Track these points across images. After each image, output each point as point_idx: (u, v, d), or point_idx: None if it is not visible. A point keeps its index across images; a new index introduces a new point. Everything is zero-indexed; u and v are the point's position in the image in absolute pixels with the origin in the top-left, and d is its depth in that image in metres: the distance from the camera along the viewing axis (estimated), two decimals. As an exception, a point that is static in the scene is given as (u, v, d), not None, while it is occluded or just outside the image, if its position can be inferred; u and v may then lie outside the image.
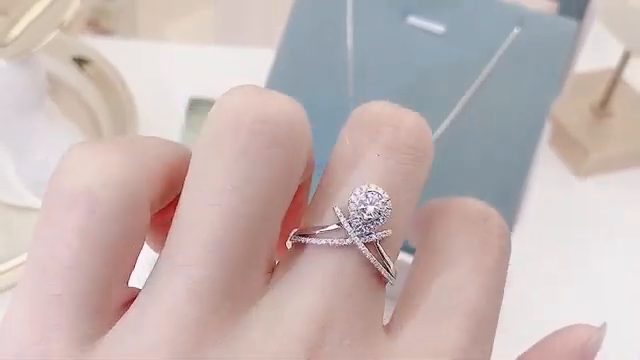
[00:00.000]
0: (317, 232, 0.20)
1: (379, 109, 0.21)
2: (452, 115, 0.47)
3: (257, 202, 0.19)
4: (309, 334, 0.18)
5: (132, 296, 0.19)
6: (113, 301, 0.18)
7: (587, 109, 0.66)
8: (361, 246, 0.19)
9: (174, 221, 0.19)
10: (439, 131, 0.47)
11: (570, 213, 0.61)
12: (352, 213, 0.19)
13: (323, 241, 0.19)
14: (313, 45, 0.50)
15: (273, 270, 0.20)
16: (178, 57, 0.67)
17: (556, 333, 0.23)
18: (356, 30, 0.49)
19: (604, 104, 0.65)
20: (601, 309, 0.54)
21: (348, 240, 0.19)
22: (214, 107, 0.19)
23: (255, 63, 0.53)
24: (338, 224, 0.20)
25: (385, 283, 0.20)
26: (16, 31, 0.44)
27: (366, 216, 0.19)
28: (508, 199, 0.47)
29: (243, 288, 0.18)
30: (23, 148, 0.50)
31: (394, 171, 0.20)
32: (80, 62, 0.58)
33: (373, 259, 0.19)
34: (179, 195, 0.19)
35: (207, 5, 0.72)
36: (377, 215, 0.19)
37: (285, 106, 0.19)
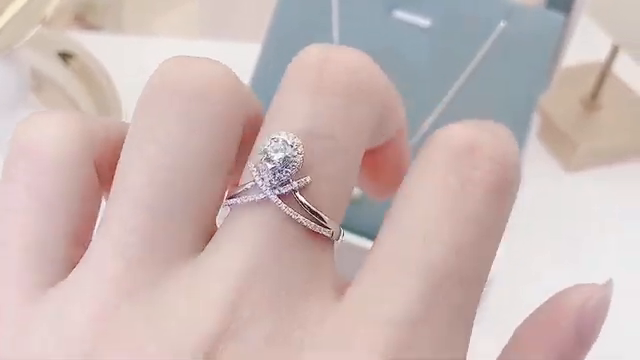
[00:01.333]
0: (238, 192, 0.19)
1: (311, 51, 0.20)
2: (439, 109, 0.48)
3: (179, 156, 0.18)
4: (225, 295, 0.17)
5: None
6: (63, 259, 0.19)
7: (576, 102, 0.66)
8: (274, 199, 0.18)
9: (114, 181, 0.19)
10: (426, 125, 0.47)
11: (560, 208, 0.61)
12: (260, 165, 0.18)
13: (241, 199, 0.18)
14: (299, 38, 0.49)
15: None
16: (164, 52, 0.65)
17: (552, 298, 0.20)
18: (342, 23, 0.49)
19: (594, 97, 0.65)
20: None
21: (261, 195, 0.18)
22: (149, 78, 0.20)
23: (242, 57, 0.52)
24: (254, 181, 0.19)
25: (327, 239, 0.19)
26: (-3, 26, 0.44)
27: (273, 166, 0.18)
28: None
29: (168, 247, 0.18)
30: (6, 144, 0.49)
31: (318, 117, 0.19)
32: (65, 57, 0.58)
33: (289, 210, 0.18)
34: None
35: (194, -1, 0.72)
36: (285, 163, 0.18)
37: (212, 71, 0.19)
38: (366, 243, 0.43)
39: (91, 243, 0.19)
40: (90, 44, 0.60)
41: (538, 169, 0.62)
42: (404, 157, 0.22)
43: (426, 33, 0.49)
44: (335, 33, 0.49)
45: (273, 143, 0.18)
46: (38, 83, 0.53)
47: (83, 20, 0.66)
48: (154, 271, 0.18)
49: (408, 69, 0.48)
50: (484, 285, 0.18)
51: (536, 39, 0.48)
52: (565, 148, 0.63)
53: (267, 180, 0.18)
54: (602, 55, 0.64)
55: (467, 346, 0.18)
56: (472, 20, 0.48)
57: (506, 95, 0.48)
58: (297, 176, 0.18)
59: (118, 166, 0.19)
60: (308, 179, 0.18)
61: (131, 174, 0.19)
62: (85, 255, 0.19)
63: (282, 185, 0.18)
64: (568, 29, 0.51)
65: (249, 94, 0.20)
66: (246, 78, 0.50)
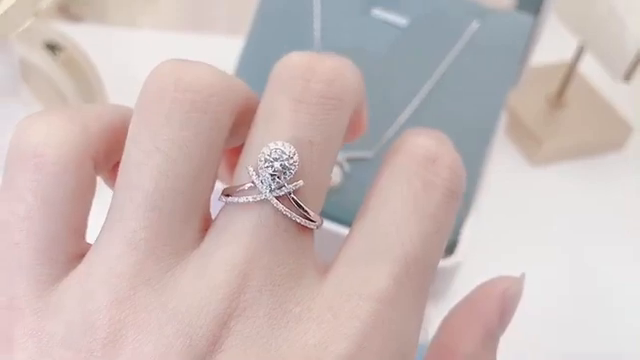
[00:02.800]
0: (236, 191, 0.21)
1: (294, 60, 0.23)
2: (414, 104, 0.49)
3: (181, 162, 0.21)
4: (230, 282, 0.20)
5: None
6: (69, 252, 0.21)
7: (543, 100, 0.68)
8: (273, 200, 0.21)
9: (116, 181, 0.21)
10: (402, 119, 0.49)
11: (525, 200, 0.63)
12: (261, 171, 0.21)
13: (241, 199, 0.21)
14: (281, 34, 0.51)
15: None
16: (148, 44, 0.68)
17: (479, 286, 0.24)
18: (323, 21, 0.51)
19: (559, 96, 0.67)
20: (556, 295, 0.56)
21: (261, 196, 0.21)
22: (145, 79, 0.22)
23: (223, 51, 0.54)
24: (252, 182, 0.21)
25: (310, 231, 0.22)
26: (-8, 18, 0.45)
27: (273, 172, 0.21)
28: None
29: (174, 241, 0.20)
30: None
31: (303, 124, 0.22)
32: (52, 48, 0.58)
33: (286, 210, 0.21)
34: None
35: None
36: (283, 170, 0.21)
37: (205, 74, 0.21)
38: (340, 229, 0.45)
39: (99, 237, 0.21)
40: (74, 35, 0.60)
41: (505, 163, 0.64)
42: (364, 121, 0.25)
43: (403, 31, 0.50)
44: (316, 30, 0.51)
45: (272, 152, 0.21)
46: (26, 74, 0.54)
47: (66, 11, 0.67)
48: (164, 261, 0.20)
49: (386, 65, 0.50)
50: (436, 268, 0.22)
51: (506, 39, 0.50)
52: (531, 144, 0.65)
53: (267, 184, 0.21)
54: (568, 55, 0.66)
55: (424, 314, 0.22)
56: (446, 20, 0.50)
57: (477, 92, 0.50)
58: (291, 180, 0.21)
59: (122, 166, 0.21)
60: (301, 183, 0.21)
61: (137, 176, 0.21)
62: (94, 248, 0.21)
63: (279, 188, 0.21)
64: (536, 30, 0.53)
65: (238, 84, 0.22)
66: (228, 71, 0.51)
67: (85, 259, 0.21)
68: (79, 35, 0.60)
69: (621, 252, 0.60)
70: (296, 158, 0.21)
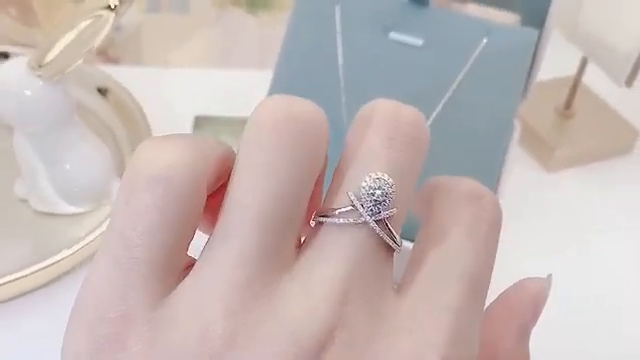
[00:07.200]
0: (335, 213, 0.23)
1: (383, 104, 0.25)
2: (431, 120, 0.51)
3: (287, 185, 0.22)
4: (333, 295, 0.21)
5: (190, 262, 0.23)
6: (181, 264, 0.22)
7: (552, 112, 0.71)
8: (372, 223, 0.23)
9: (225, 202, 0.22)
10: None
11: (541, 203, 0.65)
12: (363, 197, 0.23)
13: (341, 220, 0.23)
14: (308, 64, 0.53)
15: (300, 246, 0.24)
16: (181, 80, 0.71)
17: (512, 287, 0.27)
18: (345, 48, 0.53)
19: (568, 107, 0.71)
20: (579, 297, 0.58)
21: (362, 219, 0.23)
22: (254, 111, 0.23)
23: (250, 84, 0.56)
24: (352, 206, 0.23)
25: (393, 252, 0.24)
26: (51, 56, 0.49)
27: (375, 199, 0.23)
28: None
29: (279, 256, 0.22)
30: (55, 159, 0.54)
31: (396, 159, 0.24)
32: (102, 92, 0.64)
33: (382, 234, 0.23)
34: (224, 184, 0.23)
35: (203, 32, 0.77)
36: (384, 197, 0.23)
37: (311, 109, 0.23)
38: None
39: (207, 252, 0.22)
40: (115, 75, 0.64)
41: (521, 171, 0.66)
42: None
43: (419, 51, 0.52)
44: (340, 58, 0.53)
45: (374, 181, 0.23)
46: (81, 113, 0.57)
47: (105, 54, 0.71)
48: (270, 275, 0.22)
49: (405, 84, 0.52)
50: (489, 283, 0.25)
51: (515, 51, 0.52)
52: (544, 152, 0.68)
53: (368, 209, 0.23)
54: (573, 68, 0.69)
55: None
56: (458, 37, 0.52)
57: (489, 103, 0.52)
58: (388, 207, 0.23)
59: (231, 191, 0.22)
60: (395, 210, 0.23)
61: (249, 198, 0.22)
62: (204, 262, 0.22)
63: (378, 213, 0.23)
64: (542, 43, 0.55)
65: (328, 127, 0.24)
66: (255, 103, 0.53)
67: (194, 272, 0.22)
68: (118, 75, 0.64)
69: (631, 247, 0.63)
70: (394, 188, 0.23)
